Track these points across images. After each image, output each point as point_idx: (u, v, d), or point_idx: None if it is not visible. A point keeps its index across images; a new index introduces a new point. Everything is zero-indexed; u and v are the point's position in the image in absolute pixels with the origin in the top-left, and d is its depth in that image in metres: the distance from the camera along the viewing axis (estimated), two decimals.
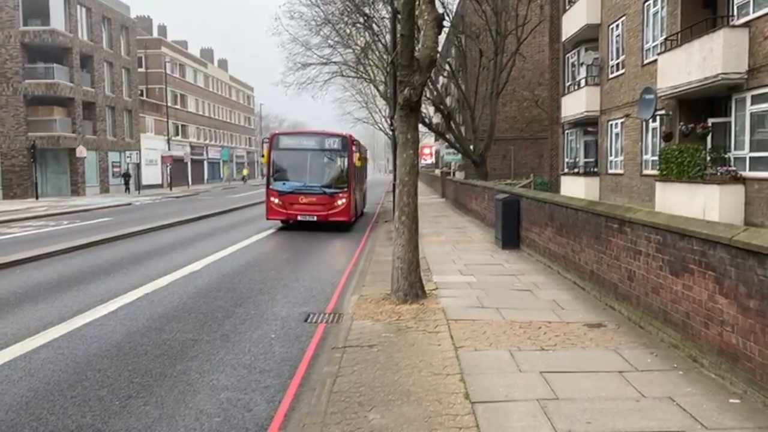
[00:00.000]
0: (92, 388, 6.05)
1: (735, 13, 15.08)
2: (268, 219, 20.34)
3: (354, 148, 20.45)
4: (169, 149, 58.20)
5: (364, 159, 27.00)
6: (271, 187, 20.09)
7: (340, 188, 19.85)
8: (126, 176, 49.67)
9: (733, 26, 14.53)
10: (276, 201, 19.90)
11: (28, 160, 41.03)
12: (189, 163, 66.11)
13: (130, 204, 35.52)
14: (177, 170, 60.19)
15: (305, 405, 5.53)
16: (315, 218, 19.62)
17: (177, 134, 64.52)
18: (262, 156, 20.50)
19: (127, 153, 50.77)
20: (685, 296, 6.41)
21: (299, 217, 19.72)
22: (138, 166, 52.72)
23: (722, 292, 5.69)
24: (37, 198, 39.88)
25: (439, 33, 9.72)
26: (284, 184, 19.98)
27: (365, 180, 29.89)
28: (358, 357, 6.56)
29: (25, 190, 41.45)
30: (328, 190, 19.74)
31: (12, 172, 41.91)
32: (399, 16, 9.97)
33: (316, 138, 20.69)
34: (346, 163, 20.22)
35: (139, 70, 57.72)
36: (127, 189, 49.31)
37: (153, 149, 57.40)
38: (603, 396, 5.35)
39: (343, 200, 19.74)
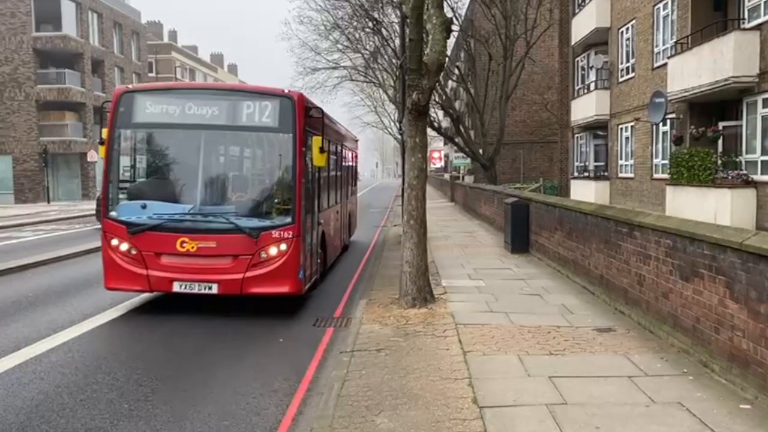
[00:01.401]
0: (102, 391, 6.08)
1: (746, 16, 15.00)
2: (108, 288, 9.29)
3: (306, 122, 9.24)
4: None
5: (343, 149, 15.04)
6: (111, 215, 9.21)
7: (274, 216, 9.09)
8: None
9: (744, 29, 14.45)
10: (124, 248, 9.00)
11: (39, 164, 41.36)
12: None
13: None
14: None
15: (313, 409, 5.54)
16: (214, 288, 8.80)
17: None
18: (100, 143, 9.32)
19: None
20: (695, 301, 6.36)
21: (176, 287, 8.85)
22: None
23: (733, 297, 5.64)
24: (48, 202, 40.19)
25: (448, 37, 9.74)
26: (143, 207, 9.15)
27: (351, 190, 17.25)
28: (366, 361, 6.56)
29: (36, 194, 41.79)
30: (245, 224, 8.85)
31: (24, 177, 42.27)
32: (408, 21, 9.99)
33: (218, 100, 9.41)
34: (290, 158, 9.04)
35: (150, 75, 58.07)
36: None
37: None
38: (612, 401, 5.32)
39: (283, 245, 8.81)
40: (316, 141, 9.19)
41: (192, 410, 5.61)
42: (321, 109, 9.92)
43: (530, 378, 5.93)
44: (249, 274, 8.71)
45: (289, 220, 8.89)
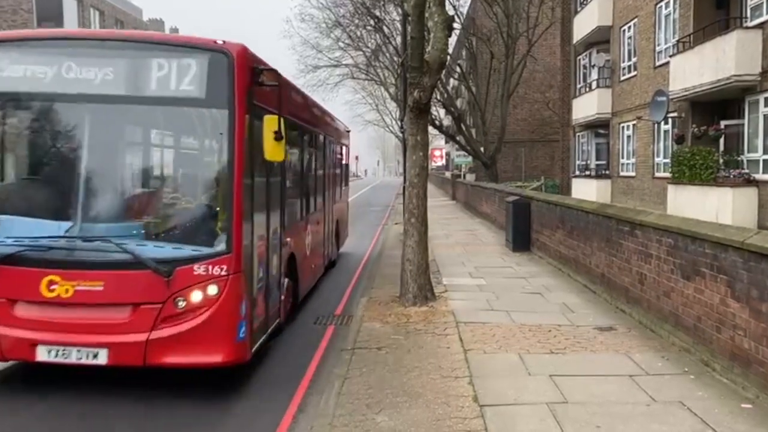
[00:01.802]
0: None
1: (748, 14, 14.97)
2: None
3: (253, 91, 5.97)
4: None
5: (326, 139, 11.68)
6: None
7: (199, 241, 5.76)
8: None
9: (747, 27, 14.41)
10: None
11: None
12: None
13: None
14: None
15: (314, 407, 5.54)
16: (101, 356, 5.51)
17: None
18: None
19: None
20: (697, 300, 6.35)
21: (42, 354, 5.55)
22: None
23: (734, 296, 5.63)
24: None
25: (450, 35, 9.72)
26: None
27: (339, 194, 14.06)
28: (367, 359, 6.55)
29: None
30: (152, 253, 5.59)
31: None
32: (409, 19, 9.97)
33: (114, 56, 5.91)
34: (226, 148, 5.74)
35: None
36: None
37: None
38: (613, 400, 5.31)
39: (211, 287, 5.58)
40: (270, 122, 5.82)
41: (190, 409, 5.61)
42: (277, 72, 6.35)
43: (531, 376, 5.92)
44: (157, 333, 5.47)
45: (222, 247, 5.59)
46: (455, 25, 22.88)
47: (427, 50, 9.20)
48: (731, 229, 6.00)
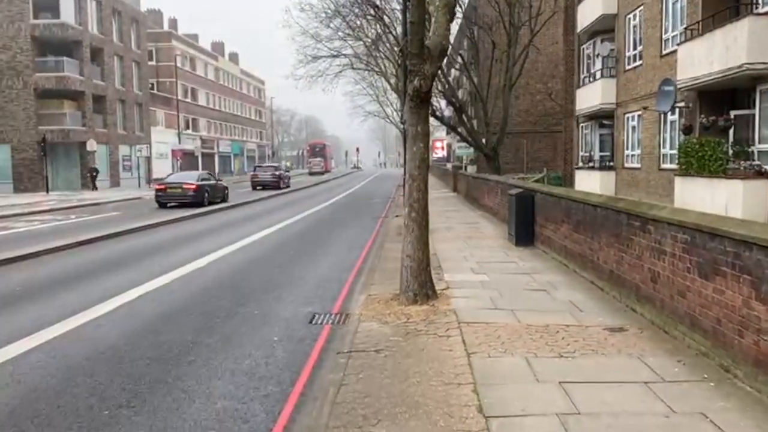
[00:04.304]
0: (81, 395, 5.69)
1: (760, 0, 14.50)
2: None
3: None
4: (179, 143, 58.05)
5: None
6: None
7: None
8: (93, 171, 43.65)
9: (758, 14, 13.95)
10: None
11: (38, 153, 40.92)
12: (200, 157, 65.86)
13: (140, 198, 35.28)
14: (188, 164, 59.99)
15: (306, 416, 5.17)
16: None
17: (188, 128, 64.38)
18: None
19: (138, 147, 50.58)
20: (716, 301, 5.94)
21: None
22: (148, 159, 52.61)
23: (759, 298, 5.22)
24: (47, 192, 39.80)
25: (451, 20, 9.29)
26: None
27: None
28: (364, 363, 6.16)
29: (35, 183, 41.42)
30: None
31: (23, 166, 41.91)
32: (409, 3, 9.54)
33: None
34: None
35: (150, 63, 57.53)
36: (94, 187, 43.05)
37: (164, 143, 57.27)
38: (628, 410, 4.91)
39: None
40: None
41: (176, 417, 5.23)
42: None
43: (539, 384, 5.52)
44: None
45: None
46: (457, 13, 22.37)
47: (427, 36, 8.77)
48: (756, 226, 5.58)
